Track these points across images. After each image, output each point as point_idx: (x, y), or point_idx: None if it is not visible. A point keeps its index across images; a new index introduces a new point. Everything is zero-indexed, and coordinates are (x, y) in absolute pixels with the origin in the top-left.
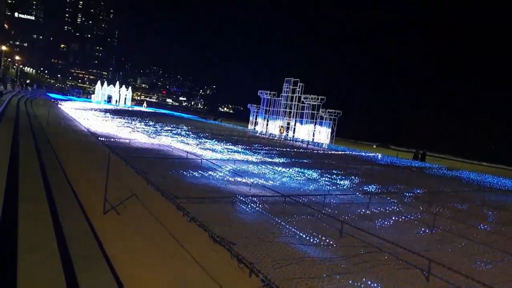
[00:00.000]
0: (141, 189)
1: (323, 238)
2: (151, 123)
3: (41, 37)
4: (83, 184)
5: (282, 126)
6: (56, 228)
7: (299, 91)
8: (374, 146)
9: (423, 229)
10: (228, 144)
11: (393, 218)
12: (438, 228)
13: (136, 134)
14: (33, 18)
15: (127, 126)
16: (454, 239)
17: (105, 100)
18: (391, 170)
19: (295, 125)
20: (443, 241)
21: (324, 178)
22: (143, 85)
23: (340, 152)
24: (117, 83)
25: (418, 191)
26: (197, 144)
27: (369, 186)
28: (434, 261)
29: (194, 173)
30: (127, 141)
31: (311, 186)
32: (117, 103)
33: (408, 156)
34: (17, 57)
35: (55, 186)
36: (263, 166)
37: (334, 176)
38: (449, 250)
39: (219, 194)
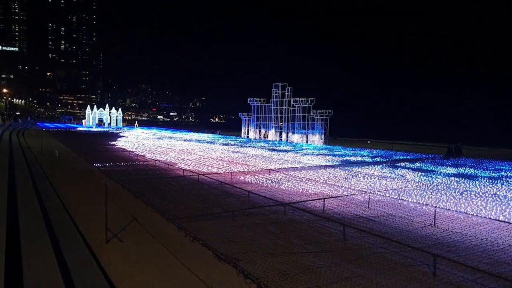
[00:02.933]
0: (141, 212)
1: (327, 243)
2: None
3: (26, 67)
4: (83, 214)
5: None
6: (60, 263)
7: (288, 95)
8: (368, 142)
9: None
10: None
11: None
12: None
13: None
14: (16, 49)
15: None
16: None
17: (96, 124)
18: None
19: (287, 130)
20: None
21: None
22: (133, 104)
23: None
24: (107, 105)
25: None
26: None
27: None
28: (439, 256)
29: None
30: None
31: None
32: (110, 125)
33: (409, 149)
34: (5, 90)
35: (54, 218)
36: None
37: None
38: None
39: (219, 210)
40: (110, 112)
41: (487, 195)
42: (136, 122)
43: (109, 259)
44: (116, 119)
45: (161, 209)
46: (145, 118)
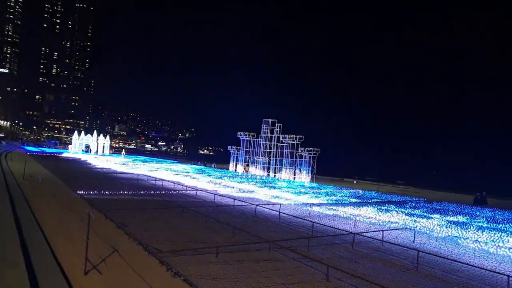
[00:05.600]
0: (123, 243)
1: (311, 284)
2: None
3: (15, 89)
4: (62, 242)
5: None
6: None
7: (277, 131)
8: (355, 182)
9: None
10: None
11: None
12: None
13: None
14: (6, 70)
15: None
16: None
17: (82, 150)
18: None
19: (275, 166)
20: None
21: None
22: (121, 132)
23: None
24: (95, 132)
25: None
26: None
27: None
28: None
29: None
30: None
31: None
32: (96, 152)
33: (393, 191)
34: None
35: (32, 246)
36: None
37: None
38: None
39: (202, 245)
40: (97, 139)
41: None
42: (123, 150)
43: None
44: (104, 146)
45: (143, 241)
46: (133, 146)
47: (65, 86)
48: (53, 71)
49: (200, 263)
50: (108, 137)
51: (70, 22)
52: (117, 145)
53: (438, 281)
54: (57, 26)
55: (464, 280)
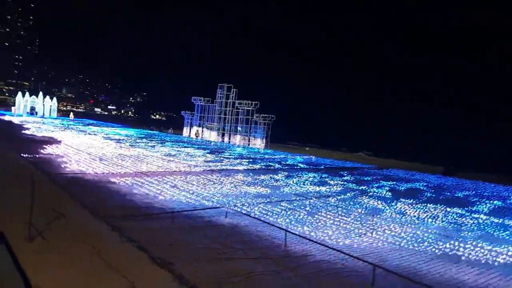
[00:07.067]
0: (70, 208)
1: (268, 250)
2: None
3: None
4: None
5: (197, 131)
6: None
7: (233, 96)
8: (307, 149)
9: None
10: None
11: None
12: None
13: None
14: None
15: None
16: None
17: (27, 112)
18: None
19: (229, 132)
20: None
21: None
22: (69, 95)
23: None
24: (40, 93)
25: None
26: None
27: None
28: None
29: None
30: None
31: None
32: (43, 115)
33: (349, 158)
34: None
35: None
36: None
37: None
38: None
39: (156, 210)
40: (43, 101)
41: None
42: (71, 113)
43: (30, 260)
44: (50, 109)
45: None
46: (82, 110)
47: (7, 44)
48: None
49: (155, 229)
50: (55, 99)
51: None
52: (65, 108)
53: None
54: None
55: None
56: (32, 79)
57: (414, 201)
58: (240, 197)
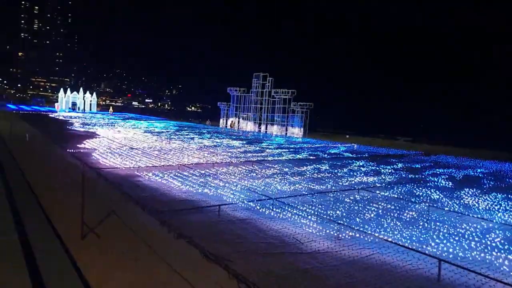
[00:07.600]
0: (121, 204)
1: (320, 242)
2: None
3: None
4: (55, 206)
5: (232, 121)
6: (30, 264)
7: (269, 86)
8: (347, 136)
9: None
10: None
11: None
12: None
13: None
14: None
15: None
16: None
17: (69, 108)
18: None
19: (266, 122)
20: None
21: None
22: (108, 90)
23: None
24: (81, 89)
25: None
26: None
27: None
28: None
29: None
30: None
31: None
32: (84, 110)
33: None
34: None
35: (24, 211)
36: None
37: None
38: None
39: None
40: (84, 97)
41: None
42: (110, 107)
43: (84, 257)
44: (90, 104)
45: (140, 201)
46: (120, 104)
47: (48, 42)
48: (35, 26)
49: (203, 222)
50: (95, 94)
51: None
52: (104, 103)
53: None
54: None
55: None
56: (72, 75)
57: (478, 191)
58: (285, 188)
